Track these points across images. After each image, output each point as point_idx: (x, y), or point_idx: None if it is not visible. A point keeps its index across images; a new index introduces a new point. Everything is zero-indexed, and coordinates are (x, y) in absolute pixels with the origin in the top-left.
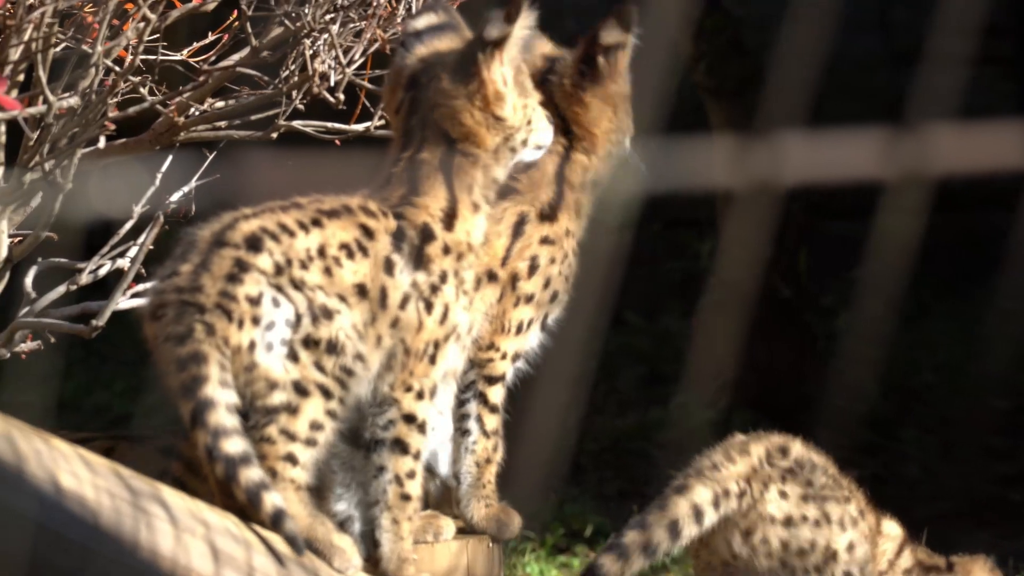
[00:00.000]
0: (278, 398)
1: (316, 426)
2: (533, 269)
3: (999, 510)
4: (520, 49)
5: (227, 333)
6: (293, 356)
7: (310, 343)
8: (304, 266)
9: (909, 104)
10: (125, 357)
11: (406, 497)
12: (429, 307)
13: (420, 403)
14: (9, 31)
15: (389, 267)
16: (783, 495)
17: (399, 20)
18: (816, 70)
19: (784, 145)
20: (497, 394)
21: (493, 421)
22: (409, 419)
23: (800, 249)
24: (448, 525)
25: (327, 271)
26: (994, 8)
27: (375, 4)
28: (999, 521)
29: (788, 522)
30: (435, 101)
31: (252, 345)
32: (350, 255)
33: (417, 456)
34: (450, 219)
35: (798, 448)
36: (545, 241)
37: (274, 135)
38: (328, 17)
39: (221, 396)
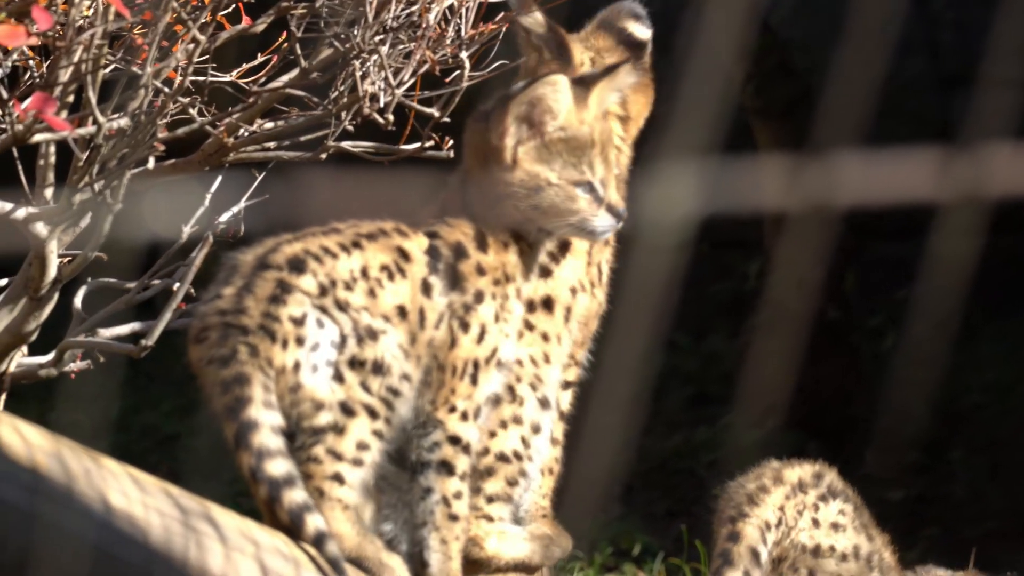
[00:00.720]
0: (324, 418)
1: (363, 446)
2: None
3: None
4: (563, 117)
5: (271, 354)
6: (339, 377)
7: (356, 364)
8: (348, 287)
9: (963, 125)
10: (173, 377)
11: (454, 517)
12: (465, 326)
13: (464, 424)
14: (59, 52)
15: (427, 289)
16: (815, 523)
17: (448, 42)
18: (867, 92)
19: (838, 166)
20: (566, 400)
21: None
22: (454, 440)
23: (847, 270)
24: (567, 541)
25: (371, 292)
26: None
27: (424, 26)
28: None
29: (817, 552)
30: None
31: (297, 366)
32: (391, 276)
33: (463, 477)
34: (482, 241)
35: (832, 476)
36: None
37: (323, 156)
38: (378, 39)
39: (265, 417)
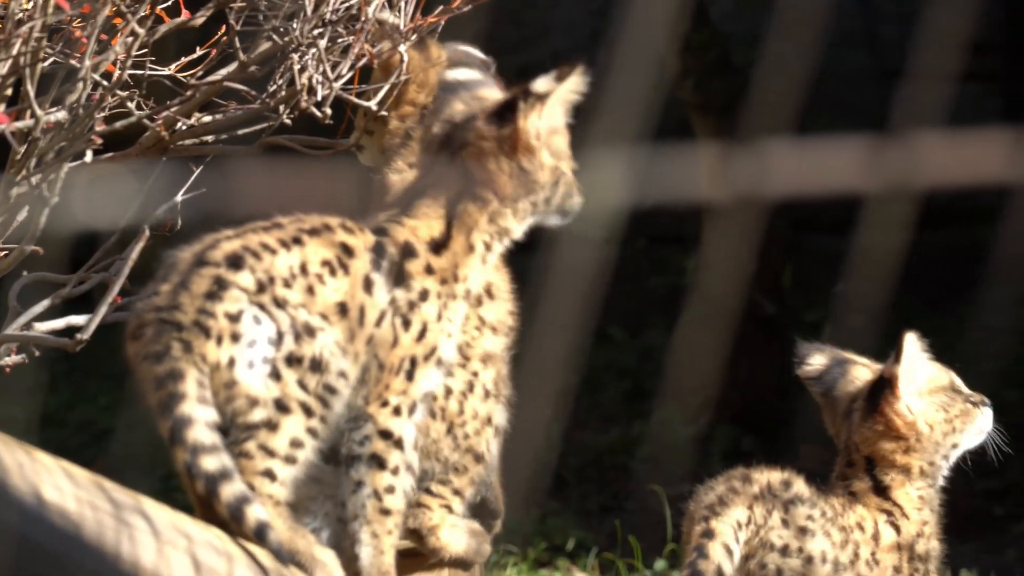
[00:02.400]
0: (258, 415)
1: (296, 444)
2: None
3: (983, 524)
4: (564, 112)
5: (205, 350)
6: (275, 374)
7: (293, 361)
8: (287, 284)
9: (894, 117)
10: (109, 371)
11: (386, 512)
12: (407, 324)
13: (397, 419)
14: None
15: (368, 285)
16: (784, 523)
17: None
18: (801, 85)
19: (767, 155)
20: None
21: None
22: (385, 435)
23: (784, 265)
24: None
25: (309, 289)
26: (982, 25)
27: (363, 20)
28: (982, 535)
29: (784, 551)
30: (465, 139)
31: (232, 362)
32: (332, 272)
33: (396, 472)
34: (438, 247)
35: (800, 484)
36: None
37: (261, 149)
38: (316, 32)
39: (199, 413)
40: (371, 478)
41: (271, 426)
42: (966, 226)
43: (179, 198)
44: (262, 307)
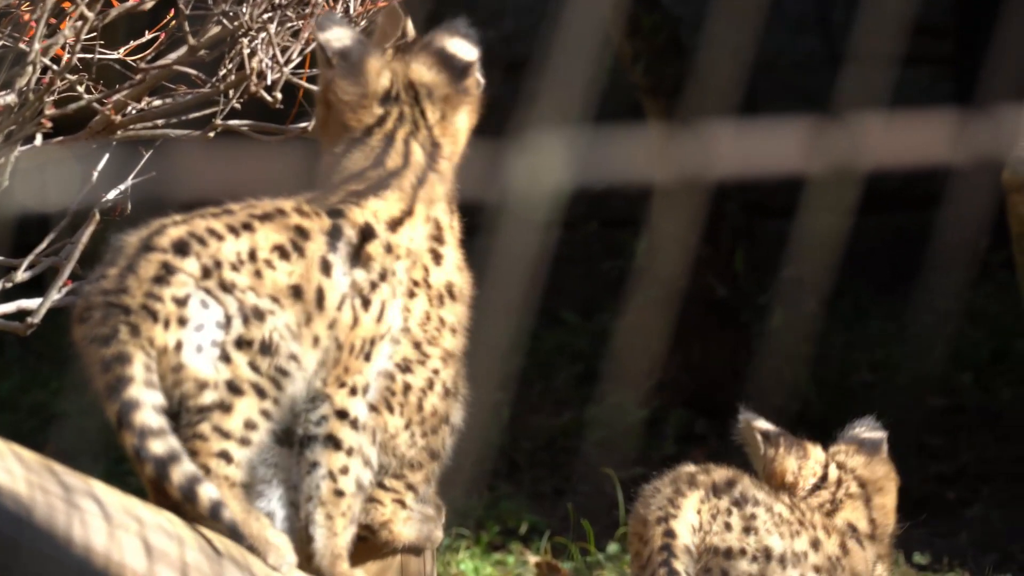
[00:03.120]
0: (209, 397)
1: (250, 425)
2: None
3: (935, 508)
4: None
5: (152, 334)
6: (225, 357)
7: (243, 344)
8: (234, 268)
9: (839, 100)
10: (62, 356)
11: (340, 493)
12: (366, 304)
13: (353, 399)
14: None
15: (326, 267)
16: (727, 527)
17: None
18: (746, 68)
19: (712, 137)
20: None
21: None
22: (341, 415)
23: (736, 248)
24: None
25: (257, 273)
26: (934, 9)
27: (313, 3)
28: (935, 519)
29: (728, 554)
30: (440, 118)
31: (179, 345)
32: (284, 256)
33: (351, 452)
34: (396, 225)
35: (745, 483)
36: None
37: (211, 134)
38: (266, 16)
39: (146, 397)
40: (326, 458)
41: (224, 408)
42: (915, 210)
43: (129, 183)
44: (208, 291)
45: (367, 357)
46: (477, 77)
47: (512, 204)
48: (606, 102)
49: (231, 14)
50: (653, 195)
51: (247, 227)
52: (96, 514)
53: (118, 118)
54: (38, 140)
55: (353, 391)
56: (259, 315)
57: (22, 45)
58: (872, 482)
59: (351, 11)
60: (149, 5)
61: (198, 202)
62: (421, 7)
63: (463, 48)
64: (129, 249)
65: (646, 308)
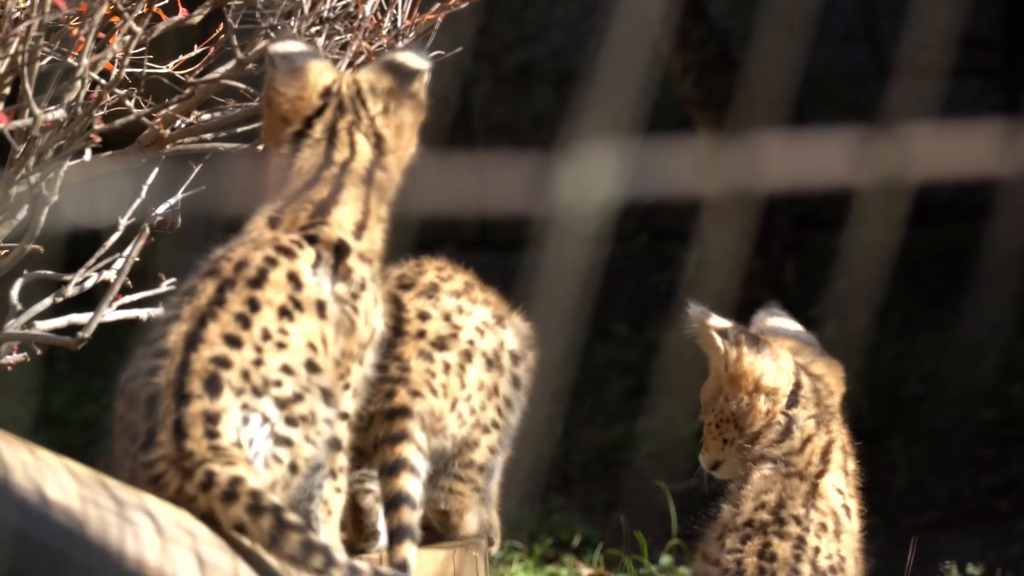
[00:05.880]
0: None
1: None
2: None
3: (987, 520)
4: None
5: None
6: (282, 445)
7: (293, 421)
8: (259, 363)
9: (887, 111)
10: (112, 370)
11: (338, 490)
12: (356, 310)
13: (352, 400)
14: None
15: (321, 309)
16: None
17: (384, 32)
18: (795, 80)
19: (761, 148)
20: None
21: None
22: (343, 416)
23: (786, 261)
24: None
25: (280, 345)
26: (982, 21)
27: (360, 17)
28: (987, 531)
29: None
30: (382, 110)
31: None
32: (291, 319)
33: (346, 451)
34: (360, 230)
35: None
36: None
37: (260, 147)
38: (314, 30)
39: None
40: (329, 459)
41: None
42: (965, 221)
43: (179, 197)
44: (246, 406)
45: (360, 361)
46: (424, 83)
47: (562, 218)
48: (656, 115)
49: (279, 28)
50: (703, 208)
51: (254, 306)
52: (149, 528)
53: (167, 132)
54: (87, 155)
55: (351, 392)
56: (298, 397)
57: (71, 60)
58: (836, 388)
59: (399, 23)
60: (198, 19)
61: (247, 216)
62: (471, 21)
63: (412, 58)
64: (166, 400)
65: None
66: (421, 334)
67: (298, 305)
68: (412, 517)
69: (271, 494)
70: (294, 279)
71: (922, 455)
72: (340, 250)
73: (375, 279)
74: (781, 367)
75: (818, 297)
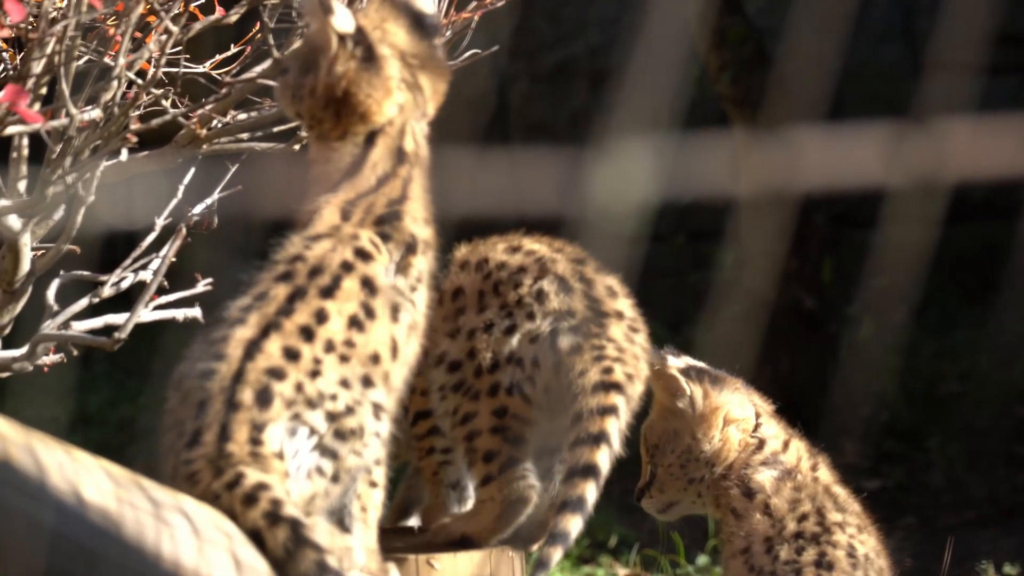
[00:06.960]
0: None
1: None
2: None
3: None
4: None
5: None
6: (329, 457)
7: (341, 435)
8: (315, 374)
9: (924, 109)
10: (149, 370)
11: (374, 484)
12: (412, 304)
13: (389, 393)
14: (32, 44)
15: (395, 312)
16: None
17: None
18: (832, 78)
19: (798, 145)
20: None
21: None
22: (378, 408)
23: (823, 259)
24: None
25: (343, 358)
26: (1019, 17)
27: None
28: None
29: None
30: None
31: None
32: (360, 328)
33: (383, 444)
34: (427, 222)
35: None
36: None
37: (296, 146)
38: None
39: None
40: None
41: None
42: (1002, 219)
43: (216, 196)
44: (296, 417)
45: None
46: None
47: (599, 216)
48: (692, 113)
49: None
50: (740, 207)
51: (321, 317)
52: (185, 529)
53: (203, 132)
54: (124, 155)
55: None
56: (350, 411)
57: (107, 60)
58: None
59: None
60: (234, 19)
61: (284, 216)
62: (507, 19)
63: (431, 13)
64: (217, 404)
65: (734, 320)
66: (620, 315)
67: (370, 313)
68: (592, 493)
69: (293, 507)
70: (368, 284)
71: (960, 453)
72: (411, 247)
73: (430, 273)
74: (740, 396)
75: (855, 295)
